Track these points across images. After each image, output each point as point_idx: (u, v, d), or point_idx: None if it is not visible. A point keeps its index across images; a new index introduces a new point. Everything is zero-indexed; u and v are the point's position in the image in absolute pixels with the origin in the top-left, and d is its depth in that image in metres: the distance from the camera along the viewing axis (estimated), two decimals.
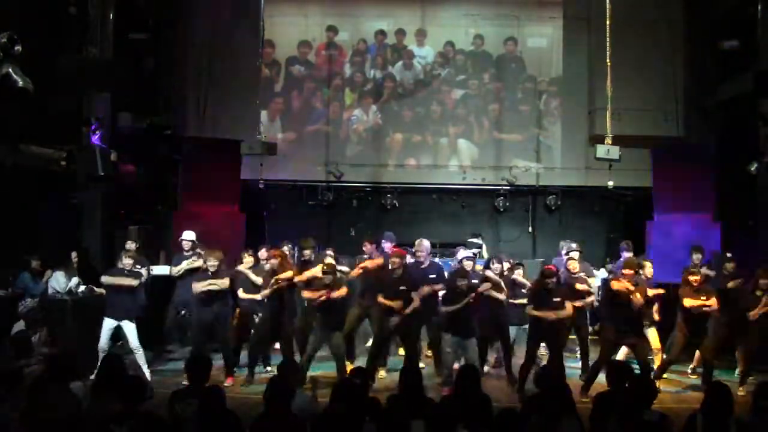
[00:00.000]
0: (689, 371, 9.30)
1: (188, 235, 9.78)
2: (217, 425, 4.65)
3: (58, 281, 9.37)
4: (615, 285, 8.20)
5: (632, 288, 8.09)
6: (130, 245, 9.72)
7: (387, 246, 9.48)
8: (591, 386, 8.15)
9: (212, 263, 8.72)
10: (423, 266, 9.02)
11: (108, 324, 8.76)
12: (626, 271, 8.27)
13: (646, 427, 4.79)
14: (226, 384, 8.31)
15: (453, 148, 14.05)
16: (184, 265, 9.51)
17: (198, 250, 9.57)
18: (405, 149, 14.04)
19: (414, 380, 5.32)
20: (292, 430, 4.68)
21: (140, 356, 8.85)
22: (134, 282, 8.80)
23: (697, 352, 9.06)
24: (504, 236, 13.91)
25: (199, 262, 9.18)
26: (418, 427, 4.52)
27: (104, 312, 8.82)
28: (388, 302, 8.38)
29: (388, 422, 4.56)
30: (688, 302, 8.40)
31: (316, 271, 8.63)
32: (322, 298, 8.26)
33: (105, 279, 8.84)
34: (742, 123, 11.10)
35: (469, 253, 9.00)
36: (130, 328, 8.79)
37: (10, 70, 6.51)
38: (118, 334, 8.95)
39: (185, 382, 8.02)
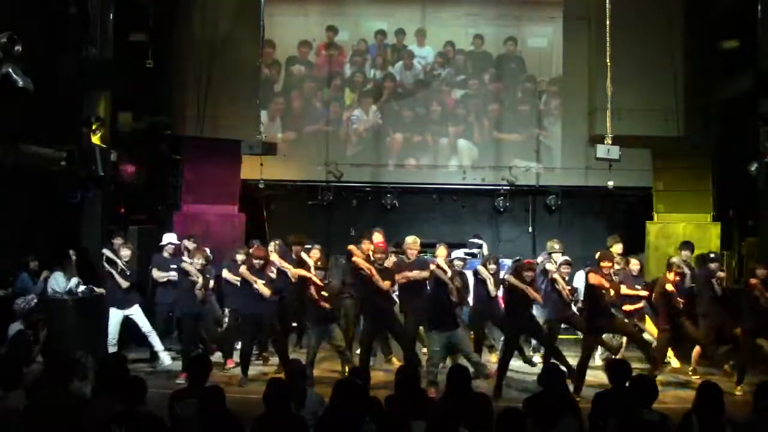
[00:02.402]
0: (690, 372, 9.31)
1: (170, 238, 9.79)
2: (217, 425, 4.65)
3: (58, 281, 9.36)
4: (591, 279, 8.31)
5: (607, 284, 8.26)
6: (119, 241, 9.72)
7: (378, 238, 9.56)
8: (583, 384, 8.20)
9: (197, 261, 8.78)
10: (409, 261, 9.08)
11: (115, 315, 8.86)
12: (603, 264, 8.37)
13: (646, 427, 4.79)
14: (228, 366, 8.34)
15: (453, 148, 14.04)
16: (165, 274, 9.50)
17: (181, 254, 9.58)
18: (405, 149, 14.04)
19: (409, 380, 5.31)
20: (292, 430, 4.67)
21: (154, 338, 8.98)
22: (125, 284, 9.05)
23: (694, 353, 9.09)
24: (504, 236, 13.92)
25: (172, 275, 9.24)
26: (418, 427, 4.52)
27: (108, 303, 9.00)
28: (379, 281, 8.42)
29: (388, 422, 4.56)
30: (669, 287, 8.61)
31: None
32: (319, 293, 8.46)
33: (107, 253, 8.99)
34: (742, 123, 11.10)
35: (461, 254, 9.04)
36: (137, 315, 8.94)
37: (10, 70, 6.52)
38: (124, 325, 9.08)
39: (178, 381, 8.21)
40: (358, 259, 8.63)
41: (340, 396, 4.79)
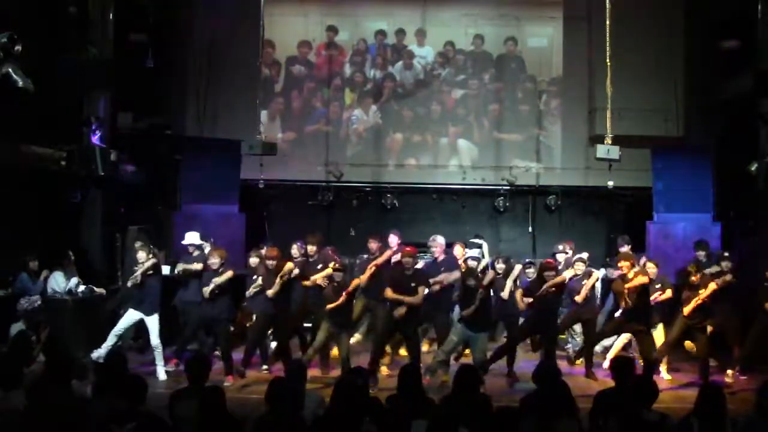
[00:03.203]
0: None
1: (192, 238, 9.70)
2: (217, 426, 4.65)
3: (57, 282, 9.37)
4: (615, 286, 8.35)
5: (625, 289, 8.22)
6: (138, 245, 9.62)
7: (394, 240, 9.52)
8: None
9: (214, 261, 8.76)
10: (438, 260, 9.12)
11: (132, 314, 8.80)
12: (621, 264, 8.37)
13: (646, 427, 4.79)
14: (226, 384, 8.35)
15: (453, 148, 14.03)
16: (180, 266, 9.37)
17: (203, 251, 9.49)
18: (405, 149, 14.03)
19: (413, 380, 5.31)
20: (292, 430, 4.67)
21: (158, 354, 8.90)
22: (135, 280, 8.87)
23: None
24: (504, 236, 13.89)
25: (198, 266, 9.10)
26: (419, 427, 4.51)
27: (129, 304, 8.94)
28: (397, 296, 8.41)
29: (388, 422, 4.56)
30: (686, 310, 8.48)
31: (327, 272, 8.86)
32: (341, 299, 8.40)
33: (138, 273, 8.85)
34: (742, 123, 11.10)
35: (474, 253, 9.04)
36: (152, 324, 8.85)
37: (10, 70, 6.52)
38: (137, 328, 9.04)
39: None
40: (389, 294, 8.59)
41: (340, 396, 4.79)
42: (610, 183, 11.67)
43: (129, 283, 8.89)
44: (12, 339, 7.42)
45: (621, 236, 10.64)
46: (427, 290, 8.69)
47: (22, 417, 4.72)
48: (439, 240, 9.43)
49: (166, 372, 8.87)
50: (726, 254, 9.43)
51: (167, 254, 10.96)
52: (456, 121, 14.05)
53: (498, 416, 4.49)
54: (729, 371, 8.55)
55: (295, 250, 9.59)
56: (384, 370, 9.15)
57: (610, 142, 10.03)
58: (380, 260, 9.12)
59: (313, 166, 13.76)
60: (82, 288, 9.50)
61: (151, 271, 8.85)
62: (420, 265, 9.14)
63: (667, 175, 11.69)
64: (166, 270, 10.29)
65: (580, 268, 9.21)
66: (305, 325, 10.03)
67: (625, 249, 10.05)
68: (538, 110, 14.02)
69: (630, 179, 12.43)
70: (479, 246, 11.93)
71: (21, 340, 7.06)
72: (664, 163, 11.77)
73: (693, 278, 8.48)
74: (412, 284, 8.43)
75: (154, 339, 8.87)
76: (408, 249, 8.79)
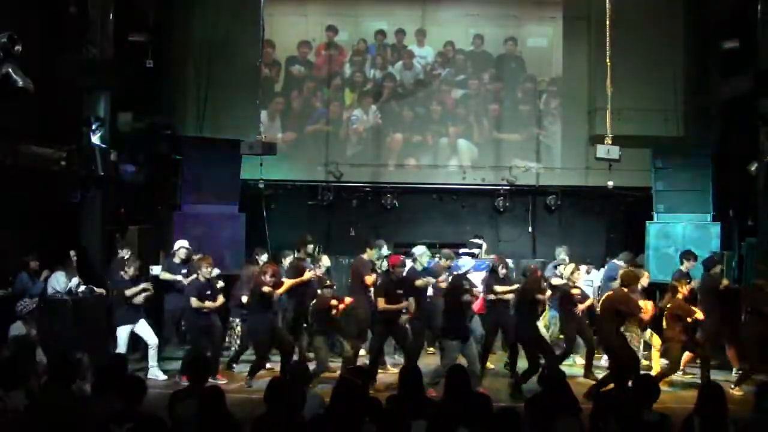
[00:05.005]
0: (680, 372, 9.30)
1: (182, 245, 9.76)
2: (216, 426, 4.65)
3: (59, 281, 9.36)
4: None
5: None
6: (126, 253, 9.72)
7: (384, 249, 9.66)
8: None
9: (208, 270, 8.80)
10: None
11: (124, 331, 8.87)
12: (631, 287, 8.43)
13: (646, 428, 4.79)
14: (220, 382, 8.37)
15: (453, 148, 14.03)
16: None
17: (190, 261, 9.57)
18: (405, 149, 14.03)
19: (414, 380, 5.31)
20: (292, 430, 4.67)
21: (153, 353, 8.95)
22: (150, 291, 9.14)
23: (686, 355, 9.06)
24: (504, 236, 13.88)
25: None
26: (419, 427, 4.52)
27: (118, 321, 9.06)
28: (389, 306, 8.58)
29: (388, 422, 4.56)
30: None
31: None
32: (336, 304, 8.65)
33: (130, 292, 9.05)
34: (742, 123, 11.10)
35: (470, 260, 9.14)
36: (144, 326, 8.92)
37: (10, 70, 6.51)
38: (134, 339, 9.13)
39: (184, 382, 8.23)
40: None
41: (340, 396, 4.79)
42: (610, 183, 11.66)
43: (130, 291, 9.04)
44: (14, 341, 7.41)
45: (625, 253, 10.57)
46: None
47: (22, 417, 4.72)
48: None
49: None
50: (716, 258, 9.46)
51: (166, 254, 10.96)
52: (456, 121, 14.04)
53: (498, 416, 4.49)
54: (737, 388, 8.51)
55: (287, 262, 9.71)
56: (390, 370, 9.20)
57: (610, 142, 10.03)
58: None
59: (313, 166, 13.76)
60: (82, 288, 9.49)
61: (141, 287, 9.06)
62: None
63: (667, 175, 11.69)
64: (157, 270, 10.33)
65: (577, 277, 9.26)
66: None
67: (622, 265, 9.98)
68: (538, 110, 14.01)
69: (630, 179, 12.42)
70: (479, 246, 11.98)
71: (24, 343, 7.07)
72: (664, 163, 11.78)
73: (679, 293, 8.55)
74: (398, 291, 8.63)
75: (151, 338, 8.93)
76: (397, 259, 8.90)
